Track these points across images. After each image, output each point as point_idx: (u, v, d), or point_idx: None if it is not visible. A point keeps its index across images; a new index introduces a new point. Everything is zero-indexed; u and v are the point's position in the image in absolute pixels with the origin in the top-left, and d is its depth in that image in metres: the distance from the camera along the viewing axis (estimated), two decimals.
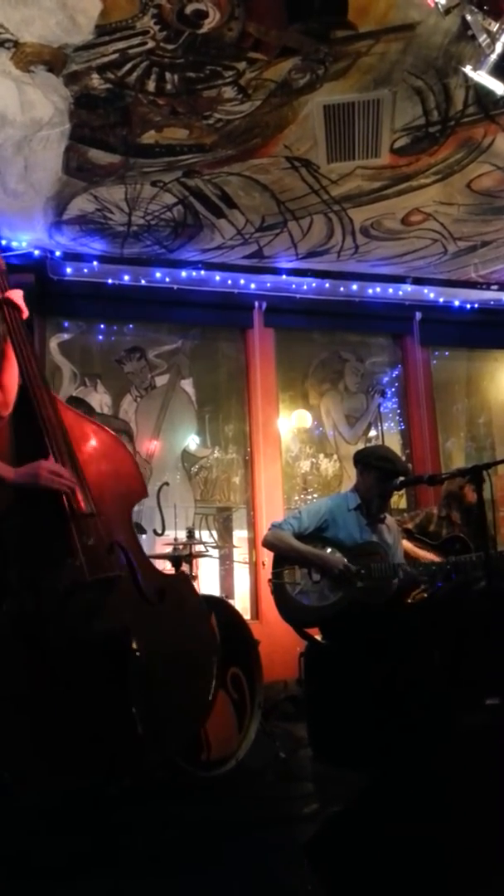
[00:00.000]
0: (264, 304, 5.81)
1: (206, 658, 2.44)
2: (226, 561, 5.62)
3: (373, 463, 3.66)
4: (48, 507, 2.23)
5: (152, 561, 4.55)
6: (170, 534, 4.54)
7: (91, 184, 4.28)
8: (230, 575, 5.63)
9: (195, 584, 4.09)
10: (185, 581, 2.69)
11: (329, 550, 3.54)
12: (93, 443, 2.51)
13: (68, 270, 5.26)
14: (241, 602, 5.42)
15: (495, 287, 6.02)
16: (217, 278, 5.58)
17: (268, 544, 3.65)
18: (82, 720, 2.08)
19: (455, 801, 1.73)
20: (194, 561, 4.10)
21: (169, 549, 4.14)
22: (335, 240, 5.12)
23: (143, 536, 4.86)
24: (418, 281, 5.90)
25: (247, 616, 4.94)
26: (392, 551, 3.60)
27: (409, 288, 5.95)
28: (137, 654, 2.14)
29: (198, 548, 4.27)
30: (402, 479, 3.69)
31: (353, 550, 3.50)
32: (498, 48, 3.09)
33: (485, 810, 1.72)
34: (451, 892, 1.63)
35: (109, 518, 2.37)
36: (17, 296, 2.51)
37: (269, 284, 5.71)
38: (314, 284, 5.76)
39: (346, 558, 3.46)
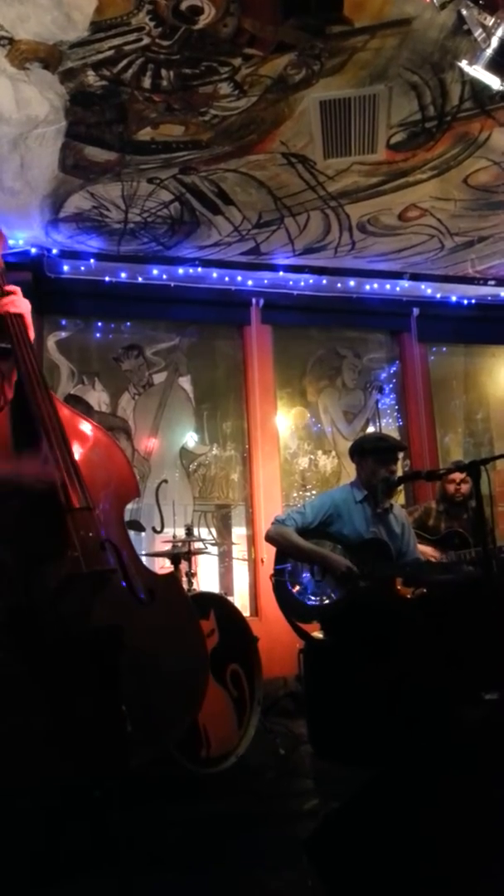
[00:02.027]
0: (261, 301, 5.79)
1: (195, 659, 2.44)
2: (225, 558, 5.62)
3: (367, 447, 3.65)
4: (44, 498, 2.22)
5: (151, 558, 4.56)
6: (169, 531, 4.53)
7: (87, 181, 4.27)
8: (229, 572, 5.63)
9: (195, 581, 4.10)
10: (174, 582, 2.68)
11: (332, 547, 3.51)
12: (88, 441, 2.50)
13: (65, 268, 5.25)
14: (241, 599, 5.43)
15: (492, 282, 6.02)
16: (214, 275, 5.57)
17: (270, 539, 3.62)
18: (71, 716, 2.05)
19: (454, 797, 1.74)
20: (193, 558, 4.10)
21: (168, 547, 4.14)
22: (332, 236, 5.11)
23: (143, 534, 4.88)
24: (415, 277, 5.90)
25: (246, 613, 4.94)
26: (400, 542, 3.57)
27: (406, 284, 5.94)
28: (128, 652, 2.11)
29: (197, 545, 4.27)
30: (400, 474, 3.67)
31: (357, 546, 3.47)
32: (494, 43, 3.08)
33: (484, 805, 1.72)
34: (450, 889, 1.64)
35: (102, 515, 2.36)
36: (17, 295, 2.47)
37: (266, 281, 5.70)
38: (311, 281, 5.75)
39: (350, 555, 3.43)
